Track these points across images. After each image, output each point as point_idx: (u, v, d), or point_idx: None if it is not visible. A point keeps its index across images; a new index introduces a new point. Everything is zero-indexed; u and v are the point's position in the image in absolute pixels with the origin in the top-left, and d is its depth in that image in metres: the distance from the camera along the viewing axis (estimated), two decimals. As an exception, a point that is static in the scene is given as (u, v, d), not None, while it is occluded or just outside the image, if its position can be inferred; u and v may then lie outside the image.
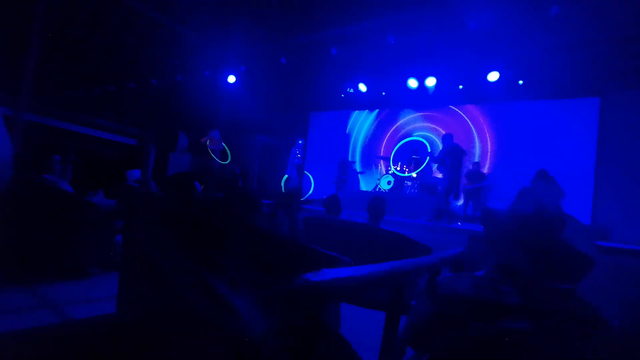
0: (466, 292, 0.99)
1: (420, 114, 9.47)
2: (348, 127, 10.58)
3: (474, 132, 8.69)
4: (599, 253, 4.13)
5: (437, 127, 9.19)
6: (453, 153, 6.30)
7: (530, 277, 0.97)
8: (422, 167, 8.08)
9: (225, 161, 9.01)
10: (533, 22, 5.71)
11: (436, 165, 7.18)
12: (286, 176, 8.98)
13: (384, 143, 9.93)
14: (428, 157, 7.97)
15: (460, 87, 8.36)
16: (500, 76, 7.43)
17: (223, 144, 8.79)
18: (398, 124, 9.80)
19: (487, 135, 8.55)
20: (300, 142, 8.95)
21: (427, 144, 8.44)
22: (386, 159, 8.99)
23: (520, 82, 7.65)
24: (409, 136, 9.40)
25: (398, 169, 8.17)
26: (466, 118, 8.83)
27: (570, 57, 6.54)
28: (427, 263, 1.41)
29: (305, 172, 9.33)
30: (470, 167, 7.71)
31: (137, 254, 1.79)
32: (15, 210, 2.75)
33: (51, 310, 1.93)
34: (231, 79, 9.46)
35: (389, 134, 9.91)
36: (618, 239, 5.65)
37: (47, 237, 2.68)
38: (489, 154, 8.46)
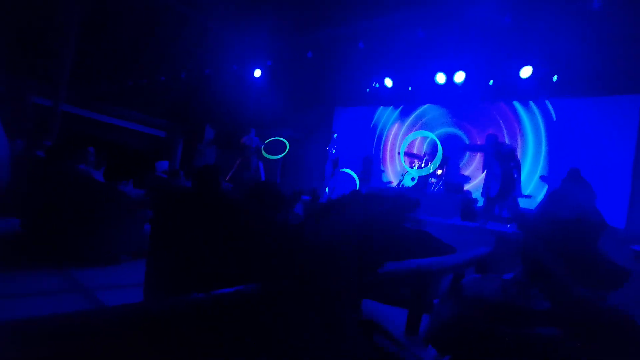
0: (493, 295, 0.96)
1: (447, 110, 9.25)
2: (373, 123, 10.48)
3: (504, 130, 8.42)
4: (634, 259, 3.93)
5: (465, 124, 8.96)
6: (504, 154, 5.69)
7: (562, 283, 0.93)
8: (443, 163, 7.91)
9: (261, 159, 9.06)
10: (569, 15, 5.45)
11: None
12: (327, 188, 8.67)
13: (409, 139, 9.78)
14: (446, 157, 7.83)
15: (491, 82, 8.10)
16: (533, 72, 7.14)
17: (258, 140, 8.85)
18: (423, 120, 9.62)
19: (518, 134, 8.27)
20: (335, 136, 8.76)
21: (465, 137, 8.23)
22: (411, 155, 8.86)
23: (555, 78, 7.32)
24: (434, 132, 9.23)
25: (423, 165, 8.03)
26: (497, 115, 8.56)
27: (609, 53, 6.21)
28: (452, 263, 1.38)
29: (347, 169, 9.06)
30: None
31: (163, 243, 1.85)
32: (52, 198, 2.90)
33: (82, 294, 2.03)
34: (257, 73, 9.54)
35: (413, 130, 9.75)
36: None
37: (81, 224, 2.80)
38: (519, 153, 8.18)
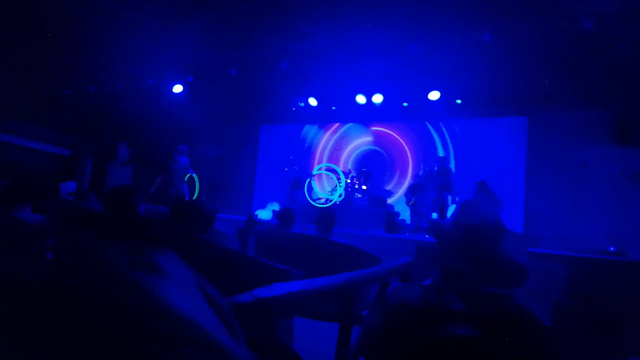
0: (414, 301, 1.02)
1: (369, 128, 9.81)
2: (301, 139, 10.65)
3: (407, 150, 9.16)
4: (530, 259, 4.48)
5: (384, 142, 9.58)
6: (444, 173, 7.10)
7: (473, 284, 1.03)
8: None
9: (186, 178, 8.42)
10: (465, 45, 6.20)
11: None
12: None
13: (337, 156, 10.13)
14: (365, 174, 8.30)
15: (405, 104, 8.80)
16: (441, 95, 7.93)
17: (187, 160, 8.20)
18: (347, 138, 10.07)
19: (430, 151, 9.06)
20: (290, 157, 8.30)
21: (384, 153, 8.74)
22: (336, 172, 9.17)
23: (459, 101, 8.21)
24: (358, 150, 9.70)
25: (349, 181, 8.35)
26: (412, 134, 9.30)
27: (499, 79, 7.17)
28: (377, 273, 1.44)
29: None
30: (413, 180, 8.13)
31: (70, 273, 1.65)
32: None
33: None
34: (177, 88, 9.14)
35: (339, 147, 10.14)
36: (547, 245, 6.20)
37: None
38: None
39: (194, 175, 8.49)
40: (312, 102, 9.17)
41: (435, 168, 7.52)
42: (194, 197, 8.58)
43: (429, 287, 1.08)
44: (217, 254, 1.40)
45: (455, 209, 1.22)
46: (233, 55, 8.12)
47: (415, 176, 8.27)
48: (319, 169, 9.59)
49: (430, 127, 9.16)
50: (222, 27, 7.30)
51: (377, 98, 8.42)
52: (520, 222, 7.74)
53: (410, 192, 7.76)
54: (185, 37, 7.75)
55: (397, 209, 8.05)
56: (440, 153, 8.84)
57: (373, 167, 8.97)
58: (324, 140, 10.37)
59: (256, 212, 8.01)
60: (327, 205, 8.10)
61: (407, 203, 7.79)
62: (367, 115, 9.43)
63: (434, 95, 7.95)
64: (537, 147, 7.88)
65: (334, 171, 9.37)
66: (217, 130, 10.62)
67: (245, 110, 10.32)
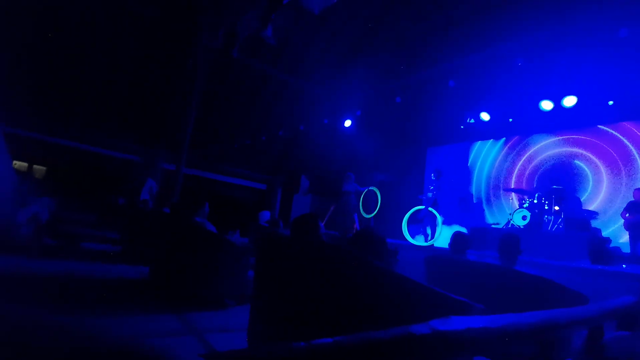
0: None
1: (559, 138, 8.28)
2: (470, 160, 9.88)
3: (635, 152, 7.16)
4: None
5: (583, 152, 7.86)
6: None
7: None
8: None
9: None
10: None
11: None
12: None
13: (515, 173, 8.91)
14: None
15: (611, 102, 7.09)
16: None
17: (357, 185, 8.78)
18: (531, 151, 8.73)
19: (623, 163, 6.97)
20: (433, 176, 7.90)
21: (584, 166, 7.24)
22: (519, 191, 8.01)
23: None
24: (546, 164, 8.27)
25: (535, 201, 7.15)
26: (622, 137, 7.36)
27: None
28: (586, 315, 1.14)
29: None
30: (633, 196, 6.26)
31: (265, 289, 1.92)
32: (173, 248, 3.29)
33: (195, 337, 2.21)
34: (347, 123, 9.94)
35: (520, 163, 8.89)
36: None
37: (195, 270, 3.10)
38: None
39: (374, 189, 8.80)
40: (484, 116, 8.44)
41: None
42: (376, 210, 8.86)
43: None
44: (390, 282, 1.39)
45: None
46: (398, 82, 8.36)
47: (637, 191, 6.30)
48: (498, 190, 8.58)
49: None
50: (387, 58, 7.65)
51: (569, 101, 7.09)
52: None
53: (629, 212, 6.06)
54: (353, 75, 8.46)
55: (605, 233, 6.41)
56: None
57: (567, 184, 7.47)
58: (500, 158, 9.30)
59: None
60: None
61: (624, 225, 6.11)
62: (555, 123, 8.03)
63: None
64: None
65: (516, 190, 8.24)
66: (384, 158, 10.93)
67: (411, 134, 10.35)
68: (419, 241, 7.74)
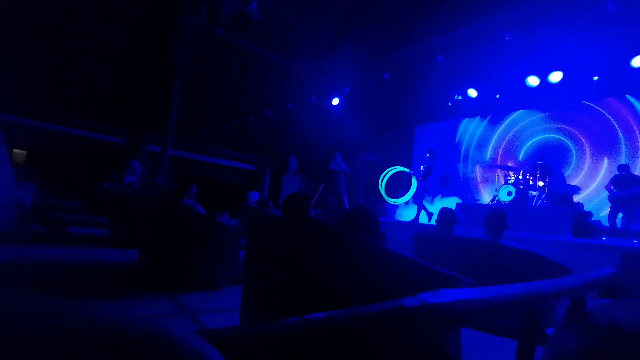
0: (634, 325, 0.79)
1: (544, 114, 8.37)
2: (457, 137, 9.95)
3: (618, 128, 7.29)
4: None
5: (568, 128, 7.98)
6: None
7: None
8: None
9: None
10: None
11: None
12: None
13: (501, 150, 9.03)
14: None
15: (596, 78, 7.16)
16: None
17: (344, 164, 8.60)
18: (516, 128, 8.82)
19: (637, 130, 7.08)
20: (427, 154, 7.30)
21: (569, 142, 7.38)
22: (505, 168, 8.13)
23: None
24: (531, 140, 8.39)
25: (520, 177, 7.27)
26: (605, 113, 7.48)
27: None
28: (570, 286, 1.18)
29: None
30: (617, 170, 6.40)
31: (257, 269, 1.93)
32: (162, 230, 3.26)
33: (189, 318, 2.22)
34: (335, 101, 9.83)
35: (505, 140, 8.99)
36: None
37: (186, 252, 3.09)
38: (641, 153, 6.99)
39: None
40: (472, 93, 8.45)
41: None
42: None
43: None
44: (380, 257, 1.41)
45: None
46: (387, 59, 8.26)
47: (622, 167, 6.38)
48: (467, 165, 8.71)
49: (635, 101, 7.17)
50: (374, 35, 7.52)
51: (555, 76, 7.12)
52: None
53: (614, 185, 6.18)
54: (341, 52, 8.32)
55: (587, 207, 6.59)
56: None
57: (552, 159, 7.60)
58: (486, 134, 9.38)
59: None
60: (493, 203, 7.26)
61: (609, 198, 6.24)
62: (541, 99, 8.09)
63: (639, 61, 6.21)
64: None
65: (502, 167, 8.36)
66: (373, 137, 10.92)
67: (399, 113, 10.32)
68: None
